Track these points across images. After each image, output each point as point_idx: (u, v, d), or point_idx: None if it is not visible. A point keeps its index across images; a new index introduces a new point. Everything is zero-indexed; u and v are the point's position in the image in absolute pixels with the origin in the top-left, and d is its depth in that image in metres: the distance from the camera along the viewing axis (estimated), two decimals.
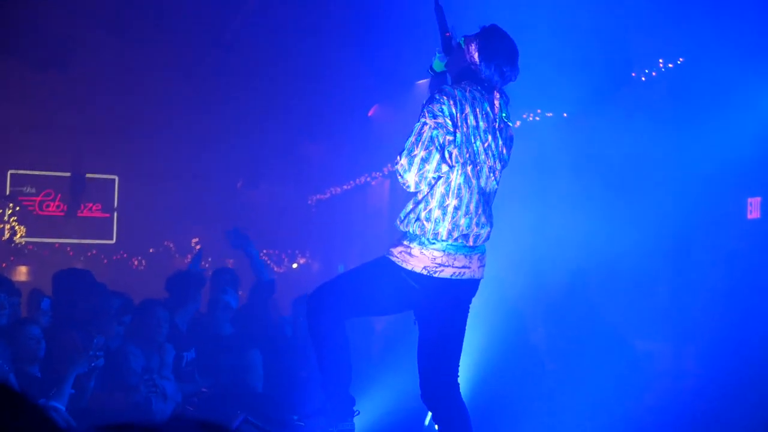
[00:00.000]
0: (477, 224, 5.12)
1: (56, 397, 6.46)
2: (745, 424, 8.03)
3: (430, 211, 5.09)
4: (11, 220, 17.12)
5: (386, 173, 16.65)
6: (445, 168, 5.02)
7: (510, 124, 5.23)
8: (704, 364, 9.22)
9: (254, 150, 18.12)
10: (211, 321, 8.82)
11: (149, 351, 7.72)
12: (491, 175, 5.16)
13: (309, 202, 19.90)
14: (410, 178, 5.06)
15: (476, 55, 5.15)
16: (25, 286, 10.37)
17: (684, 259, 10.00)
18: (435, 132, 4.98)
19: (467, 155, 5.02)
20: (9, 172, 17.47)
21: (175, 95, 15.42)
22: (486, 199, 5.17)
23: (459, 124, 4.98)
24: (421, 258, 5.12)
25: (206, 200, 17.84)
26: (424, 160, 5.00)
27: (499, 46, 5.18)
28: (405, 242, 5.19)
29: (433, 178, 5.05)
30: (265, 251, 19.19)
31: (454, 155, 5.01)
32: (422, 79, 14.06)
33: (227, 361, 8.43)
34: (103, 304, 7.77)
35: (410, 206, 5.21)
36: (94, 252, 18.17)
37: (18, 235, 17.08)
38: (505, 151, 5.19)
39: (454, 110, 4.99)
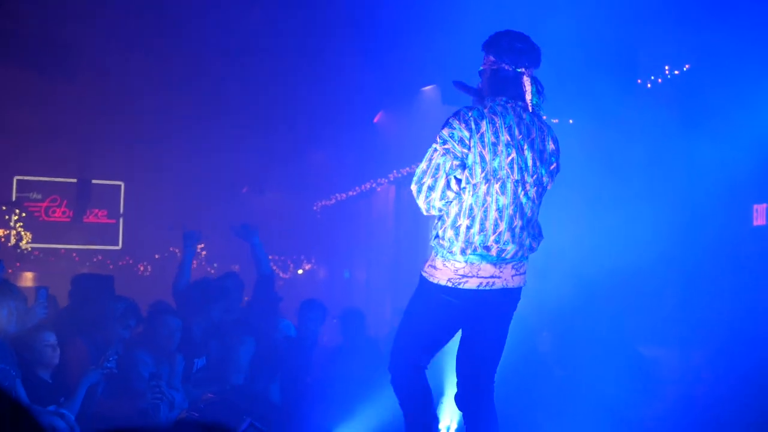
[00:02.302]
0: (497, 241, 5.07)
1: (67, 405, 6.49)
2: (755, 430, 8.03)
3: (444, 230, 5.09)
4: (17, 226, 17.15)
5: (391, 179, 16.66)
6: (451, 195, 5.03)
7: (541, 113, 5.16)
8: (712, 370, 9.21)
9: (259, 156, 18.14)
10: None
11: (160, 359, 7.73)
12: (519, 189, 5.04)
13: (314, 208, 19.93)
14: (420, 204, 5.12)
15: (491, 58, 5.17)
16: (30, 291, 10.38)
17: (690, 265, 9.99)
18: (442, 159, 4.99)
19: (482, 174, 4.96)
20: (15, 178, 17.52)
21: (180, 102, 15.44)
22: (512, 214, 5.07)
23: (471, 145, 4.95)
24: (444, 270, 5.12)
25: (212, 206, 17.86)
26: (430, 188, 5.03)
27: (503, 36, 5.19)
28: (432, 255, 5.21)
29: (443, 204, 5.06)
30: (270, 257, 19.22)
31: (464, 177, 4.98)
32: (427, 85, 14.10)
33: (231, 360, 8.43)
34: (108, 308, 7.79)
35: (434, 222, 5.22)
36: (100, 258, 18.21)
37: (24, 241, 17.11)
38: (537, 163, 5.10)
39: (466, 133, 4.96)
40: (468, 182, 4.99)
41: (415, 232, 16.35)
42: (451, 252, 5.07)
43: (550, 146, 5.19)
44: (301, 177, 18.97)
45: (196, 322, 8.52)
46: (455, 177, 5.00)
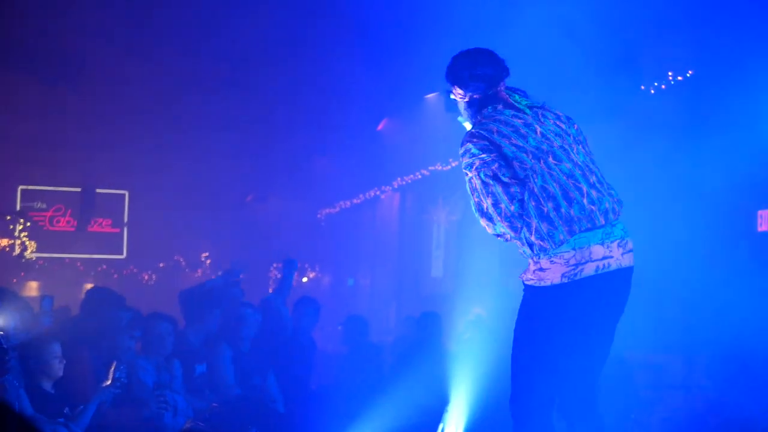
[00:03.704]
0: (591, 202, 4.71)
1: (76, 421, 6.48)
2: None
3: (536, 230, 4.70)
4: (22, 235, 17.18)
5: (396, 187, 16.68)
6: (515, 189, 4.70)
7: (540, 104, 4.95)
8: (715, 377, 9.19)
9: (264, 165, 18.18)
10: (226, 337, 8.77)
11: (157, 365, 7.73)
12: (570, 150, 4.81)
13: (318, 216, 19.95)
14: (503, 229, 4.77)
15: (461, 90, 5.01)
16: (35, 301, 10.40)
17: (694, 271, 9.98)
18: (482, 176, 4.71)
19: (529, 156, 4.71)
20: (19, 188, 17.54)
21: (184, 111, 15.46)
22: (582, 173, 4.78)
23: (497, 144, 4.71)
24: (554, 268, 4.70)
25: (216, 215, 17.89)
26: (496, 204, 4.72)
27: (460, 66, 5.04)
28: (534, 260, 4.77)
29: (517, 209, 4.71)
30: (275, 265, 19.25)
31: (517, 168, 4.69)
32: (431, 93, 14.10)
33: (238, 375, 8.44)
34: (114, 319, 7.79)
35: (521, 237, 4.77)
36: (105, 267, 18.23)
37: (29, 251, 17.14)
38: (562, 126, 4.89)
39: (483, 141, 4.73)
40: (523, 168, 4.69)
41: (419, 239, 16.36)
42: (555, 245, 4.66)
43: (559, 113, 4.98)
44: (305, 185, 18.99)
45: (196, 329, 8.49)
46: (506, 175, 4.70)
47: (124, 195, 18.42)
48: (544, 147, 4.76)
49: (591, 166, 4.85)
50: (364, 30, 12.49)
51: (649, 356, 9.80)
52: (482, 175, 4.72)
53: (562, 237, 4.66)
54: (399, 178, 16.23)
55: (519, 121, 4.81)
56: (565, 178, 4.73)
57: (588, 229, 4.70)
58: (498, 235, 4.85)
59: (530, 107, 4.90)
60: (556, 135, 4.83)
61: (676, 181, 10.29)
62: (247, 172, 18.41)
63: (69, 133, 16.33)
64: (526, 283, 4.83)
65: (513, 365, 4.84)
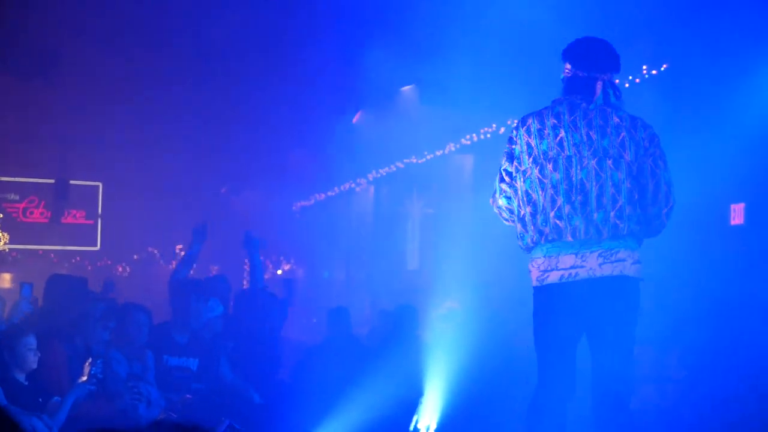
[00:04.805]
0: (559, 217, 4.85)
1: (52, 416, 6.46)
2: (727, 430, 8.05)
3: (515, 229, 5.07)
4: None
5: (370, 180, 16.68)
6: (504, 186, 5.12)
7: (601, 105, 5.00)
8: (687, 369, 9.23)
9: (238, 156, 18.12)
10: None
11: (130, 356, 7.68)
12: (573, 164, 4.87)
13: (293, 208, 19.92)
14: (497, 214, 5.25)
15: (567, 65, 5.16)
16: (8, 293, 10.34)
17: (667, 264, 10.02)
18: (501, 161, 5.15)
19: (530, 159, 4.97)
20: None
21: (158, 102, 15.38)
22: (567, 188, 4.86)
23: (517, 139, 5.05)
24: (532, 271, 4.97)
25: (190, 207, 17.82)
26: (493, 193, 5.19)
27: (569, 45, 5.24)
28: None
29: (505, 203, 5.15)
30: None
31: (514, 167, 5.06)
32: (406, 85, 14.10)
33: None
34: (89, 309, 7.74)
35: None
36: (78, 258, 18.15)
37: (1, 242, 17.05)
38: (594, 137, 4.90)
39: (514, 132, 5.10)
40: (518, 170, 5.02)
41: (394, 232, 16.37)
42: (528, 248, 4.99)
43: (614, 120, 4.96)
44: (280, 177, 18.95)
45: (177, 328, 8.41)
46: (506, 170, 5.11)
47: (97, 186, 18.35)
48: (552, 154, 4.93)
49: (588, 184, 4.88)
50: (339, 21, 12.46)
51: None
52: (500, 162, 5.14)
53: (529, 241, 4.95)
54: (374, 171, 16.23)
55: (553, 121, 4.98)
56: (550, 188, 4.90)
57: (555, 240, 4.87)
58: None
59: (586, 104, 4.99)
60: (574, 144, 4.92)
61: None
62: (221, 165, 18.35)
63: (42, 125, 16.23)
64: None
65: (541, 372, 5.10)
